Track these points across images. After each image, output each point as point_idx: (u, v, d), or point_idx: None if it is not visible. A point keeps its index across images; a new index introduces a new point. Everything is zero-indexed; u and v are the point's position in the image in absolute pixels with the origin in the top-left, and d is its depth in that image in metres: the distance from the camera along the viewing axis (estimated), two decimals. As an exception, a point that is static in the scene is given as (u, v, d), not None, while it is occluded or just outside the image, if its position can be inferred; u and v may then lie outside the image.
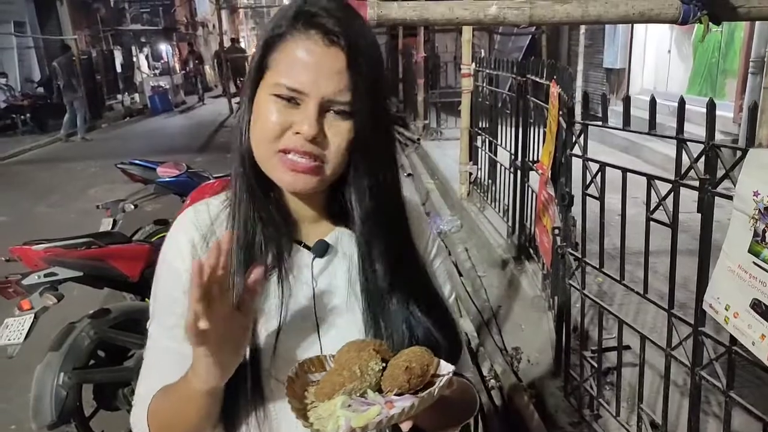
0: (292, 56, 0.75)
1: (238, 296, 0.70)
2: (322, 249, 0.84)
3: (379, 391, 0.70)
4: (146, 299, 2.63)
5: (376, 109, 0.78)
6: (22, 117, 12.62)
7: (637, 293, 1.91)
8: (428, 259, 0.92)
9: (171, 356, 0.79)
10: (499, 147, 4.38)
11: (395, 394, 0.69)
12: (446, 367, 0.73)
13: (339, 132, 0.76)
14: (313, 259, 0.84)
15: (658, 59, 7.60)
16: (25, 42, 14.66)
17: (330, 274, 0.84)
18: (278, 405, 0.79)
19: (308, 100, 0.74)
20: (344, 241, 0.85)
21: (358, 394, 0.68)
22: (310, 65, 0.74)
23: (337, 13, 0.75)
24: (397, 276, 0.83)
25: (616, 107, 6.62)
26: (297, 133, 0.74)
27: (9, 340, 2.11)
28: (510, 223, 3.92)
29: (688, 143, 1.60)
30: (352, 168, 0.79)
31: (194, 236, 0.83)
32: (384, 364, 0.71)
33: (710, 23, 1.52)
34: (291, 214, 0.85)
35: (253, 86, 0.79)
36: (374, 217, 0.81)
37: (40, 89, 13.54)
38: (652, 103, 1.69)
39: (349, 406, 0.66)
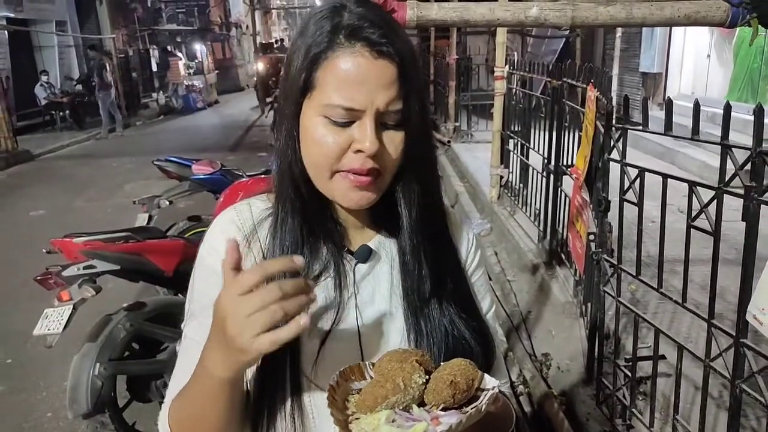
0: (341, 73, 0.71)
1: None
2: (365, 254, 0.83)
3: (422, 404, 0.68)
4: (179, 294, 2.67)
5: (422, 116, 0.77)
6: (61, 113, 12.99)
7: (676, 302, 1.87)
8: (469, 268, 0.91)
9: None
10: (531, 150, 4.34)
11: (439, 409, 0.67)
12: (491, 382, 0.71)
13: (394, 143, 0.75)
14: (356, 264, 0.83)
15: (696, 64, 7.45)
16: (65, 41, 15.08)
17: (373, 280, 0.83)
18: (317, 413, 0.78)
19: (364, 117, 0.72)
20: (387, 246, 0.85)
21: (401, 408, 0.66)
22: (360, 80, 0.71)
23: (379, 22, 0.73)
24: (439, 281, 0.82)
25: (652, 112, 6.49)
26: (358, 151, 0.73)
27: (48, 330, 2.16)
28: (541, 228, 3.88)
29: (732, 150, 1.56)
30: (401, 174, 0.78)
31: (236, 236, 0.80)
32: (427, 377, 0.69)
33: (759, 26, 1.48)
34: (339, 223, 0.84)
35: (297, 107, 0.75)
36: (420, 222, 0.81)
37: (79, 87, 13.91)
38: (696, 107, 1.64)
39: (393, 421, 0.65)
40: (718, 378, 1.77)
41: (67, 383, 2.22)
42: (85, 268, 2.25)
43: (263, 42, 18.82)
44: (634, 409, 2.17)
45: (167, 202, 3.39)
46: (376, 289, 0.83)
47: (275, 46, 18.03)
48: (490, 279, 4.05)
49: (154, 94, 17.54)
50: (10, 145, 9.91)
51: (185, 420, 0.75)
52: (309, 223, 0.80)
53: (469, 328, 0.82)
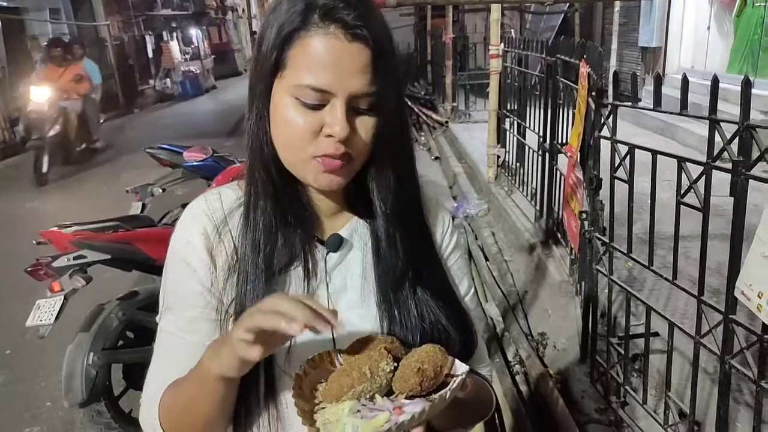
0: (312, 54, 0.70)
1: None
2: (336, 243, 0.82)
3: (390, 392, 0.68)
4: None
5: (398, 101, 0.76)
6: (58, 103, 12.87)
7: (666, 279, 1.85)
8: (444, 252, 0.91)
9: (191, 350, 0.77)
10: (527, 129, 4.30)
11: (406, 397, 0.66)
12: (461, 368, 0.70)
13: (366, 128, 0.74)
14: (327, 253, 0.82)
15: (696, 37, 7.33)
16: (60, 29, 14.94)
17: (344, 268, 0.83)
18: (291, 403, 0.77)
19: (335, 100, 0.70)
20: (359, 232, 0.84)
21: (367, 397, 0.66)
22: (333, 63, 0.69)
23: (355, 3, 0.71)
24: (413, 267, 0.82)
25: (651, 87, 6.43)
26: (329, 135, 0.71)
27: (41, 321, 2.16)
28: (538, 207, 3.86)
29: (722, 124, 1.53)
30: (374, 160, 0.78)
31: (206, 226, 0.81)
32: (395, 364, 0.68)
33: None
34: (311, 209, 0.83)
35: (268, 86, 0.74)
36: (394, 208, 0.80)
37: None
38: (684, 82, 1.62)
39: (358, 411, 0.64)
40: (713, 354, 1.76)
41: (62, 373, 2.22)
42: (75, 258, 2.24)
43: (54, 37, 9.83)
44: (627, 387, 2.17)
45: (160, 190, 3.36)
46: (347, 278, 0.83)
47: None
48: (486, 259, 4.05)
49: (151, 81, 17.42)
50: (8, 136, 9.88)
51: (176, 410, 0.76)
52: (281, 209, 0.79)
53: (445, 313, 0.81)
